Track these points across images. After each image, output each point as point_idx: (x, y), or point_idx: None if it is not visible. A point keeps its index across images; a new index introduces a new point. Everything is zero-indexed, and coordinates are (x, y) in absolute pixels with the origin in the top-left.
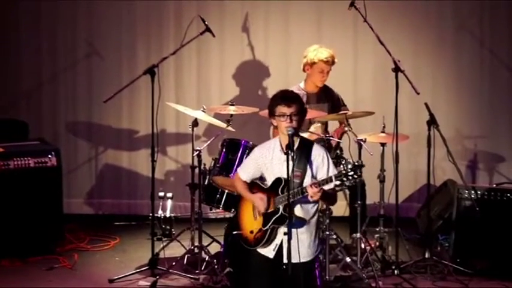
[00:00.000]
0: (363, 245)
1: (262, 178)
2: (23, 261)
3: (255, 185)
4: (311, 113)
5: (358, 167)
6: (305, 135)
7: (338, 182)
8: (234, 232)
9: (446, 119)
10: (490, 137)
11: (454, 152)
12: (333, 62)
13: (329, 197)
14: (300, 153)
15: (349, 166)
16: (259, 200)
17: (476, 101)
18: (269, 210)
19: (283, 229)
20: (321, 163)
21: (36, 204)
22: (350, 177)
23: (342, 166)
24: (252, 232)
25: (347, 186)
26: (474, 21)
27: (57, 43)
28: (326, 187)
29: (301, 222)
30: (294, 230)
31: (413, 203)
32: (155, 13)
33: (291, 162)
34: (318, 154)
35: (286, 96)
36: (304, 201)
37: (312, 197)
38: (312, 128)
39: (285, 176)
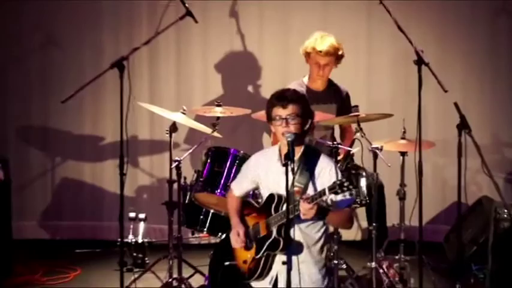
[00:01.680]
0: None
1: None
2: None
3: (247, 205)
4: (316, 116)
5: (353, 176)
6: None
7: (332, 196)
8: (226, 263)
9: (481, 122)
10: None
11: (491, 162)
12: (336, 55)
13: (334, 216)
14: (303, 164)
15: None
16: (233, 236)
17: None
18: (262, 234)
19: (280, 258)
20: (327, 177)
21: None
22: (345, 188)
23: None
24: (245, 262)
25: (359, 205)
26: None
27: (4, 32)
28: (340, 196)
29: (300, 248)
30: (293, 258)
31: (441, 225)
32: None
33: (290, 175)
34: (325, 166)
35: (281, 96)
36: (305, 222)
37: (304, 214)
38: None
39: (280, 192)
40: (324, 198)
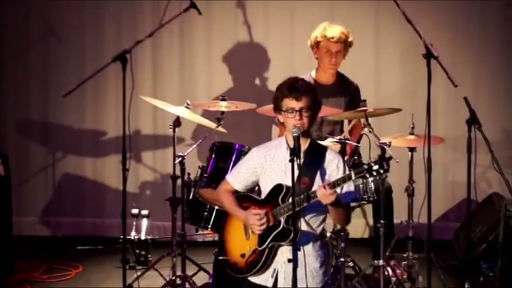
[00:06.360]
0: (389, 272)
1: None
2: None
3: (246, 198)
4: (323, 110)
5: (385, 159)
6: (325, 143)
7: (360, 181)
8: (220, 257)
9: (492, 117)
10: None
11: (501, 158)
12: (347, 43)
13: (340, 209)
14: (310, 157)
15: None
16: (253, 218)
17: None
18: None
19: (284, 249)
20: (335, 170)
21: None
22: (374, 173)
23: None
24: (243, 256)
25: (367, 202)
26: None
27: (4, 23)
28: (345, 188)
29: (307, 238)
30: (298, 253)
31: (450, 223)
32: None
33: (296, 171)
34: (332, 160)
35: (295, 87)
36: (310, 212)
37: (322, 199)
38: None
39: (287, 183)
40: (351, 185)
